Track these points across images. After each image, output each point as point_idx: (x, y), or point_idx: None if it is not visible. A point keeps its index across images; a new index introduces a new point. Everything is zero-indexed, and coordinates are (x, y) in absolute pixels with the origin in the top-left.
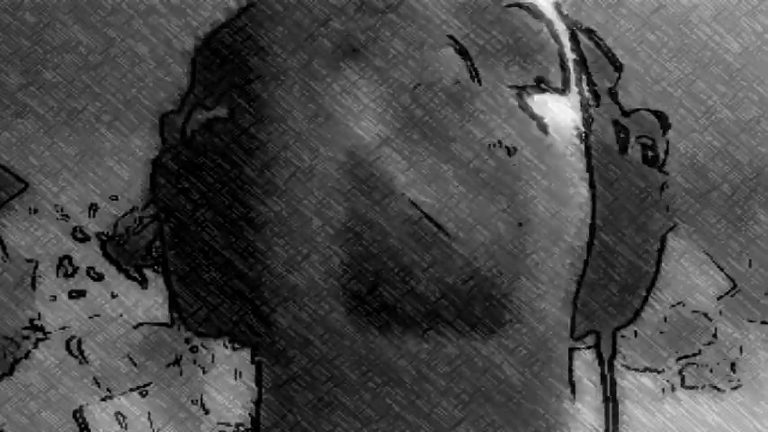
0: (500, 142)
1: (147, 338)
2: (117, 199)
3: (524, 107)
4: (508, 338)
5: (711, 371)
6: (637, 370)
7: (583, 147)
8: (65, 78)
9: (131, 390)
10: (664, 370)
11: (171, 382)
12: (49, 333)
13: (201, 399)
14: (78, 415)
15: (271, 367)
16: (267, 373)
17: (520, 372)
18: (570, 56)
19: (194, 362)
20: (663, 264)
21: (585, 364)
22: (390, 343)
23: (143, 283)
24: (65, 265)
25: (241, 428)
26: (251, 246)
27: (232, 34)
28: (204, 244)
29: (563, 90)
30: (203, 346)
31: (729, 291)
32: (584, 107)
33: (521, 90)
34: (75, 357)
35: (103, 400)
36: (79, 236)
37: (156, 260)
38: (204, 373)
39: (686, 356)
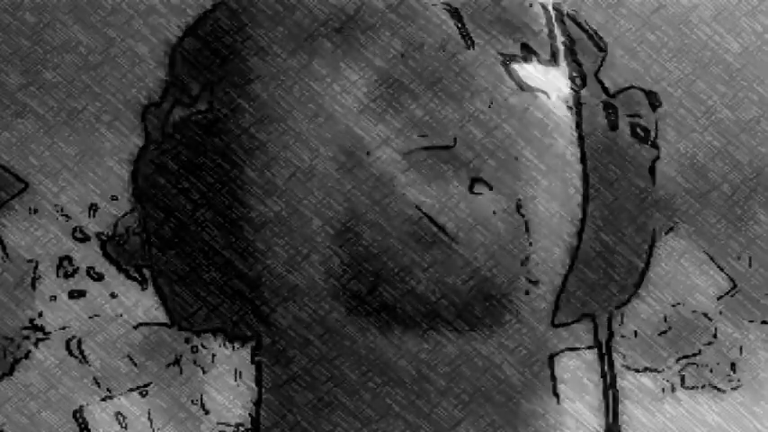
0: (494, 100)
1: (147, 338)
2: (117, 199)
3: (511, 73)
4: (508, 338)
5: (711, 371)
6: (637, 370)
7: (574, 118)
8: (65, 78)
9: (131, 390)
10: (664, 370)
11: (171, 382)
12: (49, 333)
13: (201, 399)
14: (78, 415)
15: (271, 367)
16: (267, 373)
17: (520, 372)
18: (559, 34)
19: (194, 362)
20: (663, 264)
21: (586, 364)
22: (390, 343)
23: (143, 283)
24: (65, 265)
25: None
26: (251, 246)
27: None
28: (204, 244)
29: (552, 62)
30: (203, 346)
31: (729, 291)
32: (573, 80)
33: (509, 58)
34: (75, 357)
35: (103, 400)
36: (79, 236)
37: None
38: (204, 373)
39: (686, 356)
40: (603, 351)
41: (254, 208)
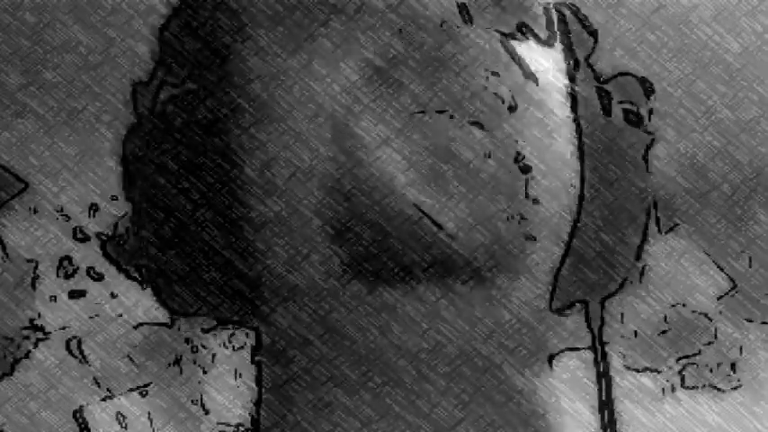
0: (489, 76)
1: (147, 338)
2: (117, 199)
3: (508, 49)
4: (508, 338)
5: (711, 371)
6: (637, 370)
7: (569, 98)
8: (65, 78)
9: (131, 390)
10: (664, 370)
11: (171, 382)
12: (49, 333)
13: (201, 399)
14: (78, 415)
15: (271, 367)
16: (267, 373)
17: (520, 371)
18: (555, 19)
19: (194, 362)
20: (663, 264)
21: (585, 364)
22: (390, 343)
23: (143, 283)
24: (65, 266)
25: (241, 428)
26: (251, 246)
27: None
28: (204, 244)
29: (549, 43)
30: (203, 346)
31: (729, 291)
32: (568, 61)
33: (508, 36)
34: (75, 357)
35: (103, 400)
36: (79, 236)
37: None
38: (204, 373)
39: (686, 356)
40: (596, 340)
41: (254, 208)
